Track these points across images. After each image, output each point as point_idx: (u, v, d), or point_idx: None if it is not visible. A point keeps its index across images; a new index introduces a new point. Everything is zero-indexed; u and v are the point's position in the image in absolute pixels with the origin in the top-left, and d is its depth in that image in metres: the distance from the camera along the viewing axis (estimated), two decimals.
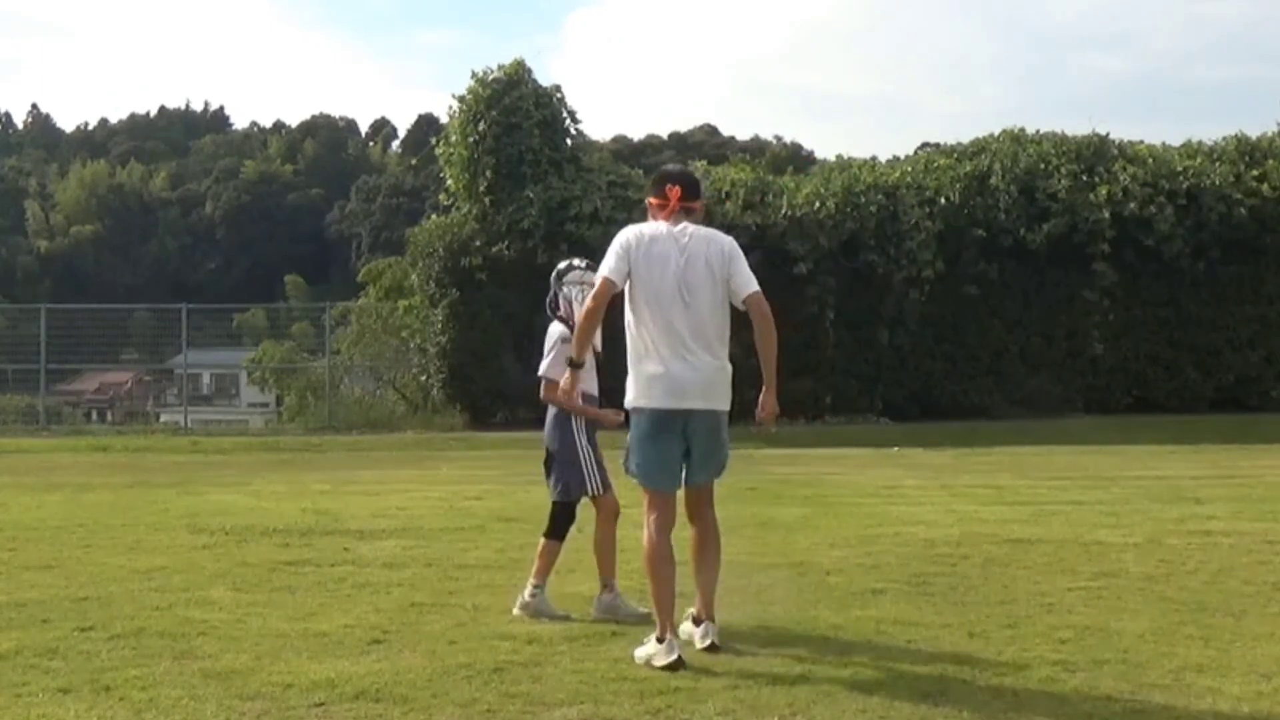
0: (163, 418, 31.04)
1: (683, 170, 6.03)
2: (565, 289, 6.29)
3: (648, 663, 5.05)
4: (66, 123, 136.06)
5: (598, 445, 6.19)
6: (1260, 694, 4.64)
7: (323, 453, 19.35)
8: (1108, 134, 23.69)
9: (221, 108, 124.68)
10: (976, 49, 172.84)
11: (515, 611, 6.06)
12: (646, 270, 5.37)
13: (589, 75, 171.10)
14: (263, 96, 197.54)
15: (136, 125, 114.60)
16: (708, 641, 5.31)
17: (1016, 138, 23.64)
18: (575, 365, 5.61)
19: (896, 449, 17.65)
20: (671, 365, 5.39)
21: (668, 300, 5.38)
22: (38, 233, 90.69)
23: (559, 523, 6.20)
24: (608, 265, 5.40)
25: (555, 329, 6.24)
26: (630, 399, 5.51)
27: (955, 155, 23.67)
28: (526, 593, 6.10)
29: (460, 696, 4.63)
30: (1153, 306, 23.12)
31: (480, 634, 5.65)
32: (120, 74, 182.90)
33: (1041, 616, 6.03)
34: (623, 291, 5.47)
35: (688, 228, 5.46)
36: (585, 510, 8.55)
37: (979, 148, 23.64)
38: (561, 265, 6.40)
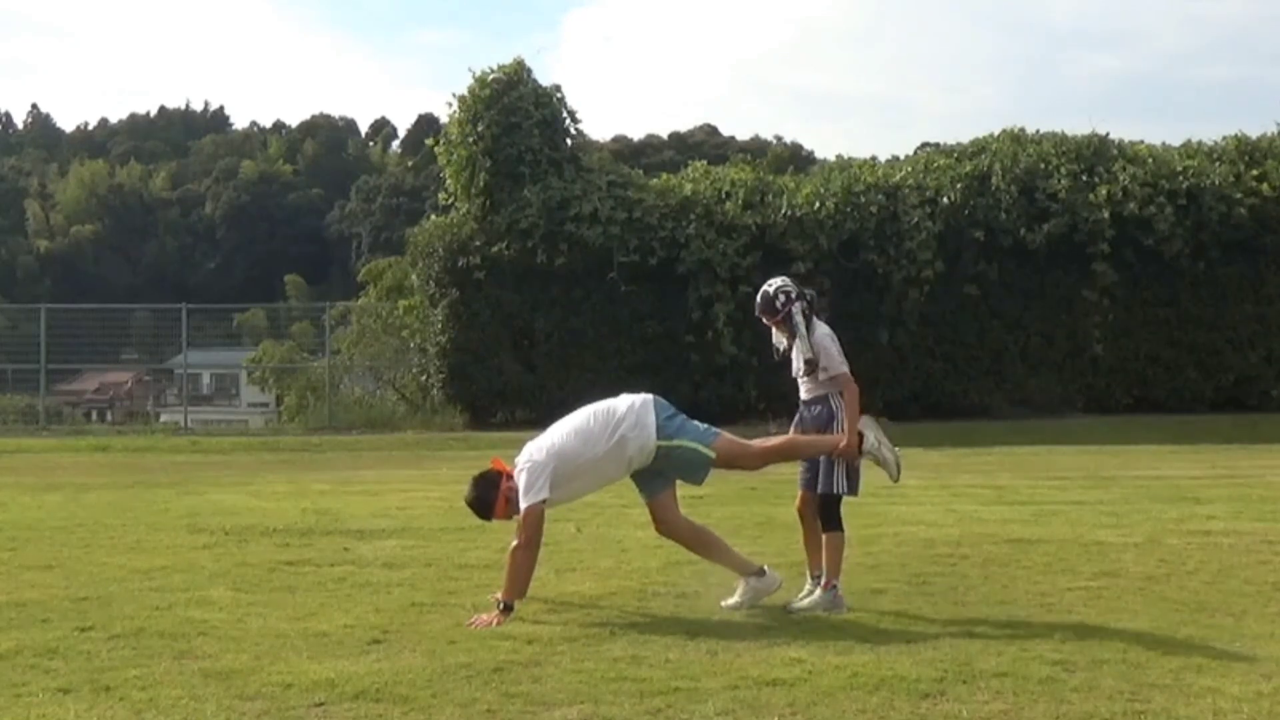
0: (163, 418, 31.02)
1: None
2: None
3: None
4: (66, 123, 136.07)
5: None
6: (1260, 694, 4.63)
7: (323, 453, 19.35)
8: (1108, 134, 23.64)
9: (221, 108, 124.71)
10: (976, 49, 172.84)
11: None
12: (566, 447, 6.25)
13: (588, 75, 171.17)
14: (263, 96, 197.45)
15: (136, 125, 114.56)
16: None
17: (1016, 138, 23.60)
18: (506, 608, 5.97)
19: (896, 449, 17.63)
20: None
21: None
22: (38, 233, 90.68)
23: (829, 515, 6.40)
24: (540, 489, 6.09)
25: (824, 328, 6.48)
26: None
27: (955, 155, 23.63)
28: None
29: (460, 696, 4.63)
30: (1153, 306, 23.10)
31: (480, 634, 5.65)
32: (120, 74, 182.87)
33: (1041, 616, 6.03)
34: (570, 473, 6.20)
35: None
36: (584, 509, 8.55)
37: (979, 148, 23.60)
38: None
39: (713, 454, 6.24)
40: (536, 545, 6.10)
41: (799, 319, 6.37)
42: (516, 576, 6.03)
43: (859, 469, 6.40)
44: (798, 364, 6.46)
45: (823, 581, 6.28)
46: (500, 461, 6.38)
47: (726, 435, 6.42)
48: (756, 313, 6.57)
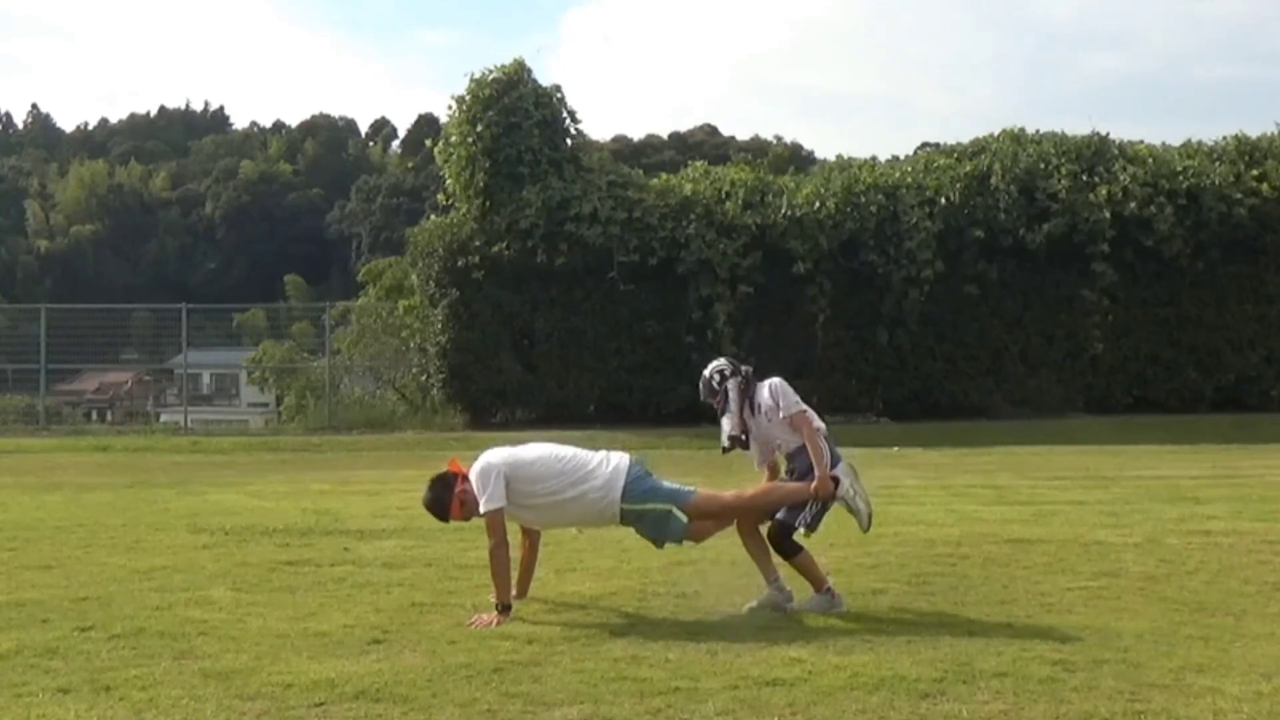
0: (163, 418, 31.03)
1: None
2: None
3: None
4: (66, 123, 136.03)
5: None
6: (1260, 694, 4.64)
7: (323, 453, 19.35)
8: (1108, 134, 23.67)
9: (221, 108, 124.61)
10: (976, 49, 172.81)
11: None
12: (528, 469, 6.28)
13: (588, 75, 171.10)
14: (263, 96, 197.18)
15: (136, 125, 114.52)
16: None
17: (1016, 138, 23.61)
18: (503, 608, 6.03)
19: (896, 449, 17.65)
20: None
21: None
22: (38, 233, 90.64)
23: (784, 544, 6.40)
24: (494, 496, 6.14)
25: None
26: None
27: (955, 155, 23.64)
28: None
29: (460, 696, 4.64)
30: (1153, 306, 23.11)
31: (480, 634, 5.66)
32: (120, 74, 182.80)
33: (1041, 616, 6.03)
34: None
35: None
36: None
37: (979, 148, 23.61)
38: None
39: (684, 517, 6.24)
40: (506, 544, 6.17)
41: (734, 394, 6.47)
42: (497, 577, 6.10)
43: (825, 511, 6.36)
44: (727, 433, 6.46)
45: (814, 591, 6.29)
46: (457, 463, 6.48)
47: (701, 492, 6.43)
48: (702, 398, 6.66)
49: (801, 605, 6.22)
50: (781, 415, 6.37)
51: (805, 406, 6.44)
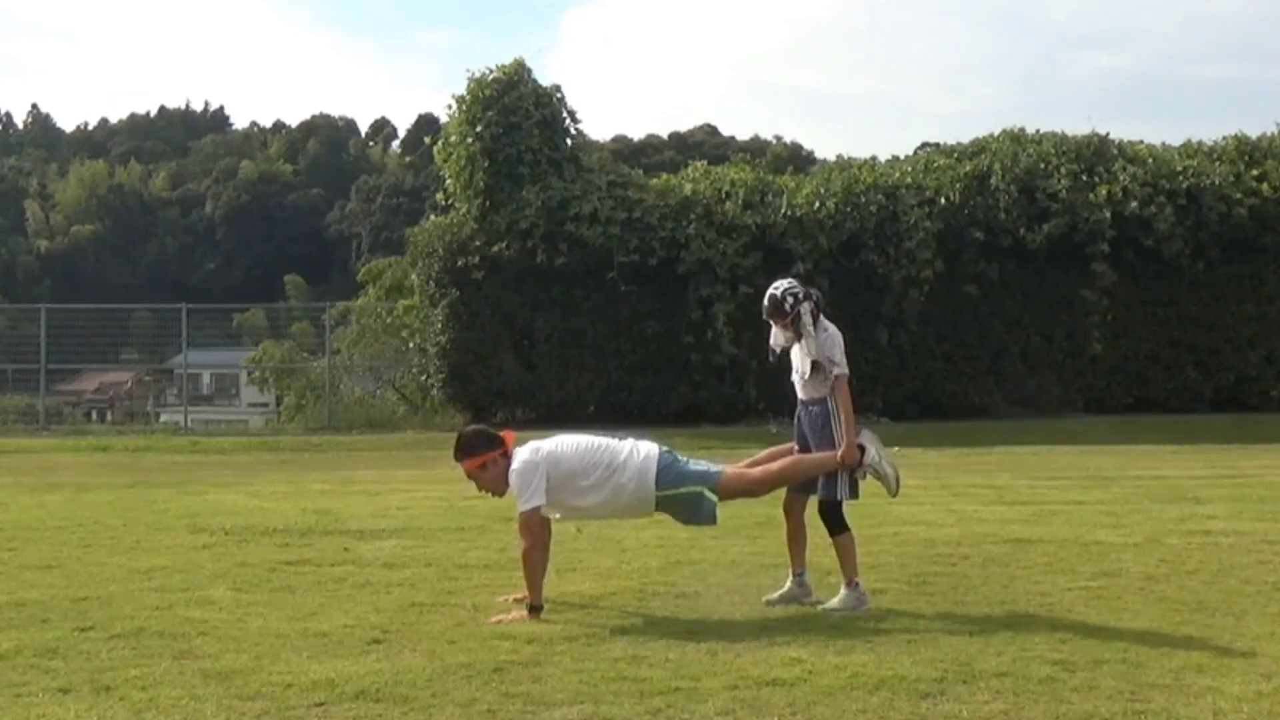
0: (163, 418, 31.05)
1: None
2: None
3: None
4: (66, 123, 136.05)
5: None
6: (1260, 694, 4.64)
7: (323, 453, 19.35)
8: (1108, 134, 23.66)
9: (221, 108, 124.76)
10: (976, 48, 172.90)
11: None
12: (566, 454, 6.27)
13: (588, 75, 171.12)
14: (263, 96, 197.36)
15: (136, 125, 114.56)
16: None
17: (1016, 138, 23.61)
18: (533, 609, 6.01)
19: (896, 449, 17.61)
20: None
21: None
22: (38, 233, 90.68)
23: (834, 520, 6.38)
24: (535, 494, 6.09)
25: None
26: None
27: (955, 155, 23.64)
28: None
29: (460, 696, 4.63)
30: (1152, 306, 23.12)
31: (480, 634, 5.65)
32: (120, 74, 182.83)
33: (1041, 616, 6.03)
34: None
35: None
36: None
37: (979, 148, 23.61)
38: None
39: (715, 496, 6.25)
40: (543, 545, 6.14)
41: (807, 319, 6.35)
42: (532, 578, 6.05)
43: (856, 478, 6.37)
44: (800, 365, 6.42)
45: (844, 580, 6.30)
46: (511, 436, 6.38)
47: (729, 471, 6.43)
48: (765, 316, 6.50)
49: (829, 605, 6.21)
50: (836, 373, 6.32)
51: (849, 372, 6.39)
